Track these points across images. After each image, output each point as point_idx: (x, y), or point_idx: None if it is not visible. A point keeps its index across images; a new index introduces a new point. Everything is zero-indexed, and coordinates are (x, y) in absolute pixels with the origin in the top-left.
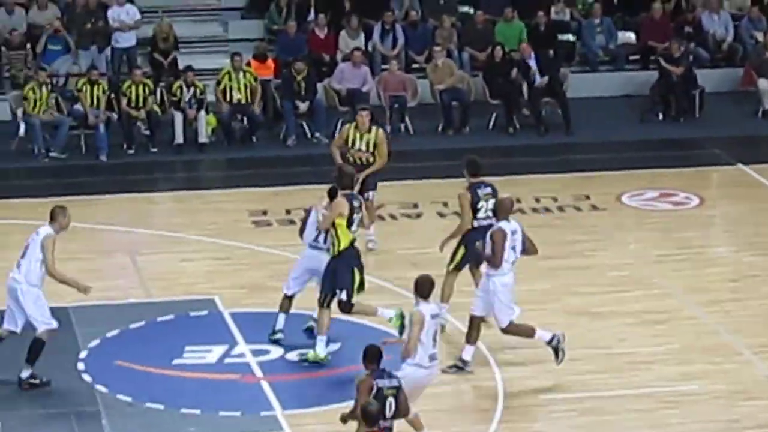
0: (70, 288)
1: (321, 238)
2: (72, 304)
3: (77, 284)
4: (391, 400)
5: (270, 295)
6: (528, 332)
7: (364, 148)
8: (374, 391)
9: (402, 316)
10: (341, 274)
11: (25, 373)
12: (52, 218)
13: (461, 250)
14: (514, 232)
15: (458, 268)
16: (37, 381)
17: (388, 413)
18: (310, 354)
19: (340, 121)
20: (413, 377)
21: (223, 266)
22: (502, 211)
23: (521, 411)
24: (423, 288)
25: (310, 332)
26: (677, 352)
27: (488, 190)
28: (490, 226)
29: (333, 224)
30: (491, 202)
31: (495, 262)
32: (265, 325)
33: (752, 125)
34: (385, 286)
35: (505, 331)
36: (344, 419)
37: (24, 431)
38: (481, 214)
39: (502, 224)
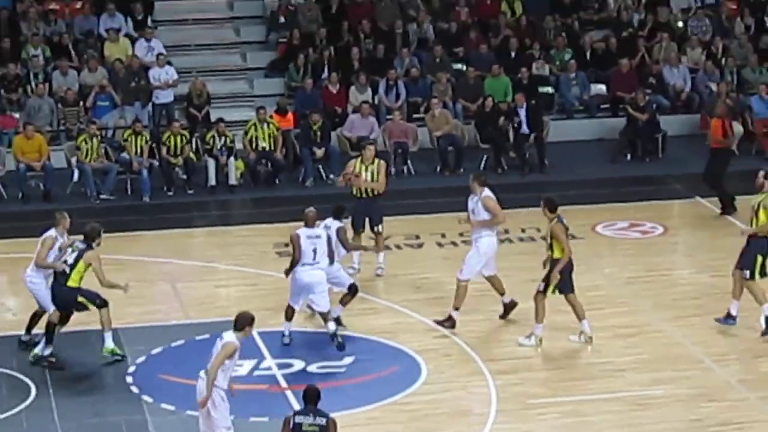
0: (123, 311)
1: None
2: (122, 326)
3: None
4: None
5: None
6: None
7: (369, 178)
8: (291, 425)
9: None
10: None
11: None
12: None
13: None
14: (309, 236)
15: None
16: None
17: None
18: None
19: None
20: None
21: (252, 291)
22: (307, 220)
23: (512, 413)
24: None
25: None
26: (647, 361)
27: (565, 221)
28: None
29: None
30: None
31: (293, 260)
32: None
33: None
34: (392, 307)
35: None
36: None
37: None
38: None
39: (300, 231)
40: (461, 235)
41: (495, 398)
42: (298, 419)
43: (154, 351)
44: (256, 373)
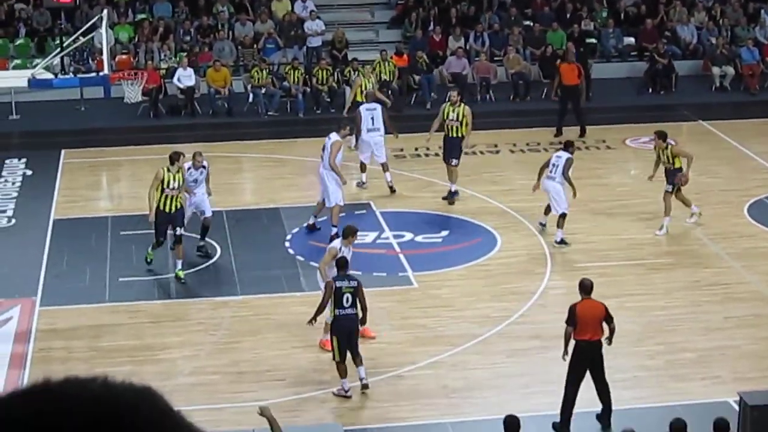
0: (283, 195)
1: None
2: (282, 205)
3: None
4: (348, 295)
5: (404, 201)
6: None
7: (455, 118)
8: (333, 289)
9: None
10: None
11: (201, 243)
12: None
13: None
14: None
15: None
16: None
17: (346, 304)
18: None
19: (449, 94)
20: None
21: (377, 182)
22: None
23: (561, 273)
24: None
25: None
26: (663, 237)
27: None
28: None
29: None
30: None
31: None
32: (402, 220)
33: (708, 96)
34: (476, 195)
35: None
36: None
37: (252, 285)
38: None
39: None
40: (527, 144)
41: (550, 262)
42: (338, 284)
43: (305, 224)
44: (378, 241)
